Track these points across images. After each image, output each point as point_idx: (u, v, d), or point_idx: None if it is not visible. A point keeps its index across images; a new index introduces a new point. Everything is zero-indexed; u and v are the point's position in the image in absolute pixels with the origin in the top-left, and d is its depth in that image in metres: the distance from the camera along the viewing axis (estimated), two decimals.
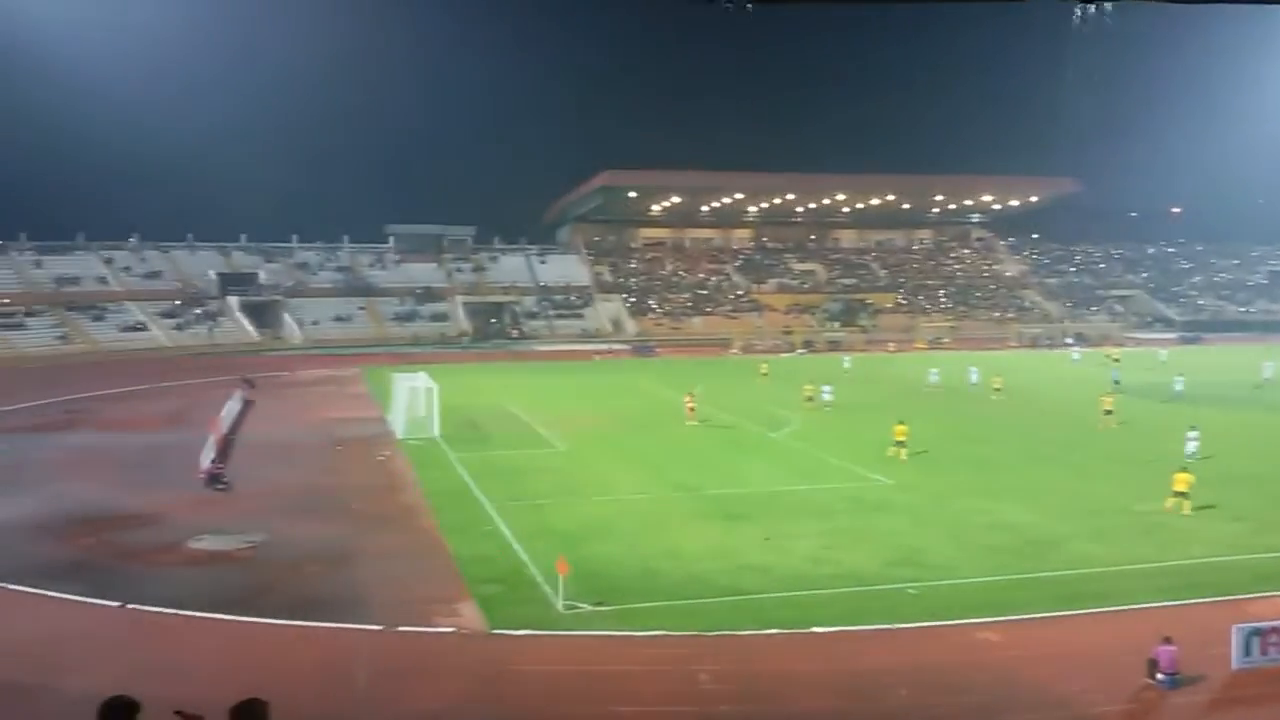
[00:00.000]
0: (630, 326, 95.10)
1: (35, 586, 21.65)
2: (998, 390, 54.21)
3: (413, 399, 41.49)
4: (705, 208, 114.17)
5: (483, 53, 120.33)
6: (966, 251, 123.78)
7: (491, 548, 24.63)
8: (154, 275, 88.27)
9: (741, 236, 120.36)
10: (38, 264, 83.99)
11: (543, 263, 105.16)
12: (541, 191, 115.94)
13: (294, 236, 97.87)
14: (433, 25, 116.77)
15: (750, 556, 23.63)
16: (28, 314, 76.54)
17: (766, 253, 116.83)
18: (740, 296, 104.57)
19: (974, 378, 58.38)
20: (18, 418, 45.53)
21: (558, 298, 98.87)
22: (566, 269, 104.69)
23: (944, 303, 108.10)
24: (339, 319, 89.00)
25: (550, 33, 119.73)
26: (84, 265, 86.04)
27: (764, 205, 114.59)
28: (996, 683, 16.48)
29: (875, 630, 18.89)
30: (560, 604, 19.86)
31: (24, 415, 46.24)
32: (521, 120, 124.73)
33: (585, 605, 19.86)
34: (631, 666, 17.45)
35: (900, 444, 35.96)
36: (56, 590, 21.39)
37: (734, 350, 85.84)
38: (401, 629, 18.90)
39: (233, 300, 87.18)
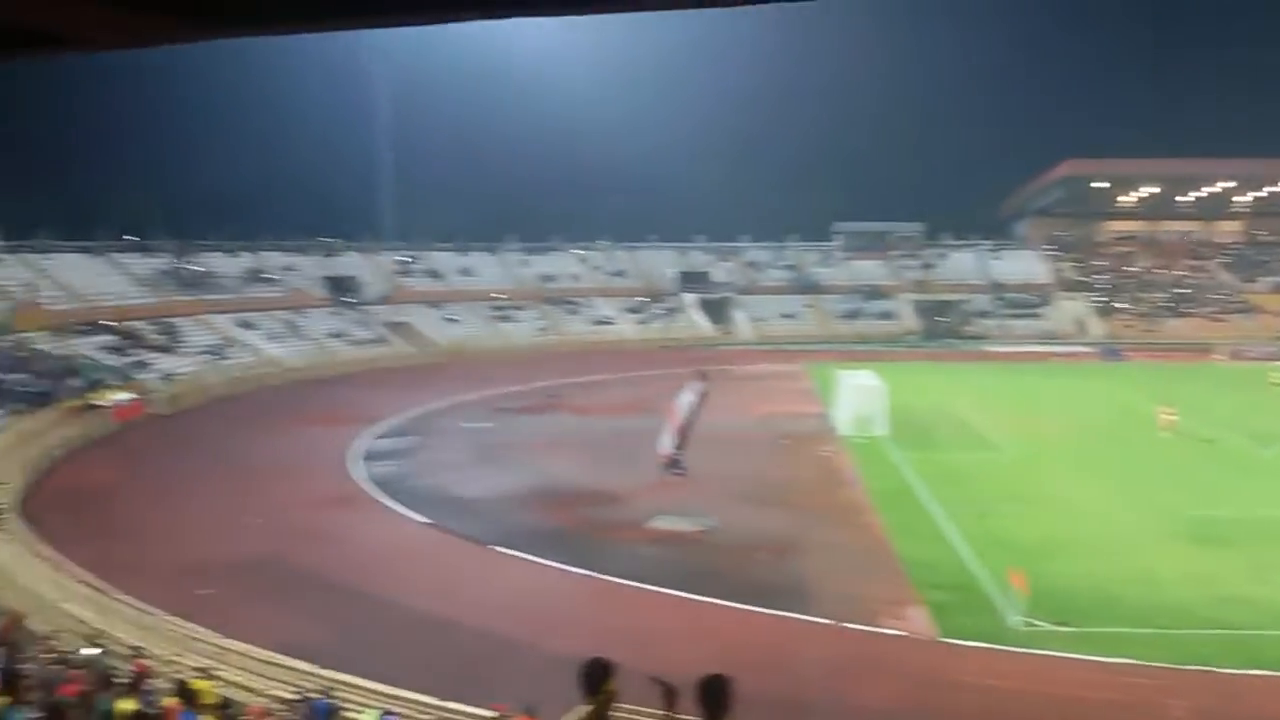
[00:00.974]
0: (1095, 328, 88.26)
1: (522, 551, 24.25)
2: None
3: (857, 396, 41.33)
4: (1185, 198, 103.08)
5: (933, 39, 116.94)
6: None
7: (940, 553, 23.90)
8: (620, 274, 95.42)
9: (1229, 229, 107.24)
10: (524, 263, 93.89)
11: (997, 259, 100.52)
12: (996, 184, 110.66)
13: (745, 236, 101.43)
14: (878, 14, 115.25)
15: (1235, 587, 20.95)
16: (516, 307, 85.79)
17: (1261, 247, 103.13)
18: (1227, 296, 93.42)
19: None
20: (506, 400, 51.03)
21: (1013, 296, 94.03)
22: (1023, 265, 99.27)
23: None
24: (786, 316, 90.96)
25: (1004, 12, 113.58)
26: (561, 264, 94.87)
27: (1258, 194, 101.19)
28: None
29: None
30: (1015, 619, 18.81)
31: (511, 399, 51.73)
32: (975, 110, 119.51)
33: (1043, 623, 18.66)
34: (1094, 693, 16.15)
35: None
36: (539, 556, 23.79)
37: (1219, 356, 76.84)
38: (849, 625, 18.87)
39: (689, 297, 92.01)
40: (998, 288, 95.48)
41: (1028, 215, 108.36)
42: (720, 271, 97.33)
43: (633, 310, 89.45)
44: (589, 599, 21.23)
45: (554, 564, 23.27)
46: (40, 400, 40.16)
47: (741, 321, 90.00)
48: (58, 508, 28.92)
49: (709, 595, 20.68)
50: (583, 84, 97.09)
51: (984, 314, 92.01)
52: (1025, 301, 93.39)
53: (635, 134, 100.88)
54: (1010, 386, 57.34)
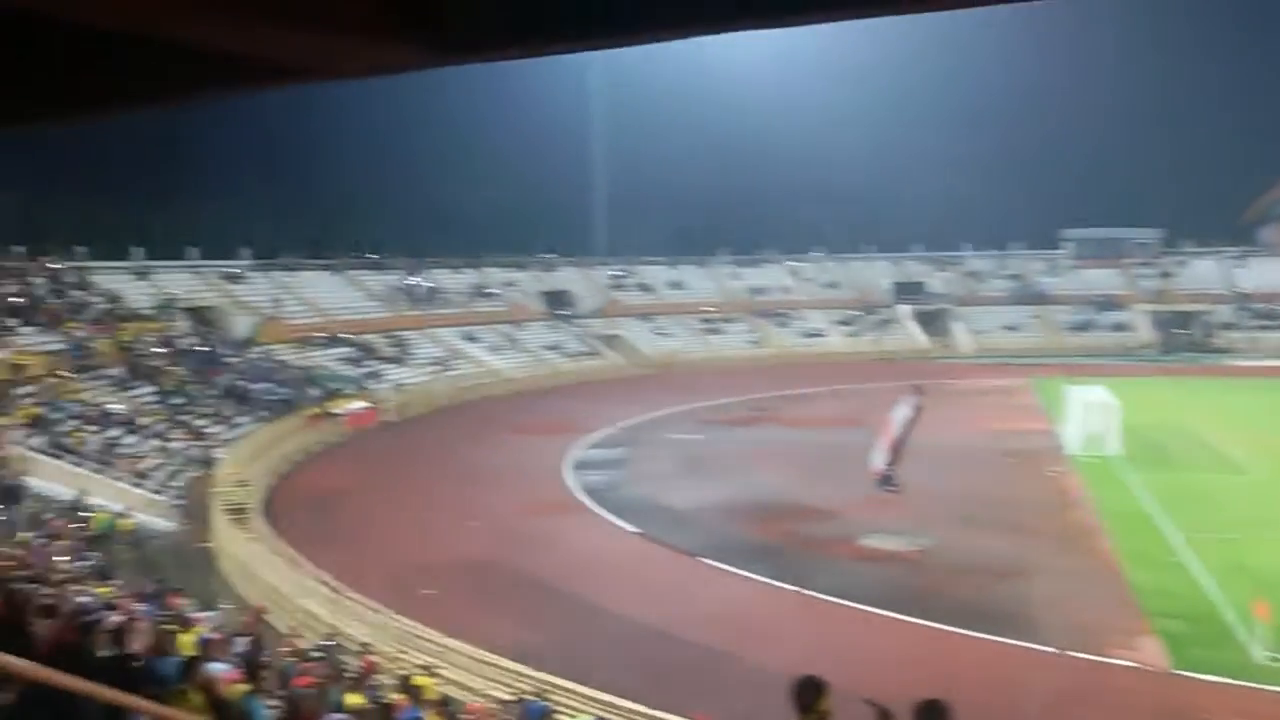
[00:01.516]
0: None
1: (729, 564, 24.26)
2: None
3: (1087, 413, 39.18)
4: None
5: (1171, 35, 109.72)
6: None
7: (1175, 580, 22.34)
8: (833, 285, 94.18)
9: None
10: (734, 276, 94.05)
11: (1242, 267, 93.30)
12: (1241, 187, 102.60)
13: (965, 245, 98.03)
14: (1109, 8, 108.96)
15: None
16: (725, 320, 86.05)
17: None
18: None
19: None
20: (715, 412, 51.12)
21: (1260, 306, 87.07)
22: (1271, 274, 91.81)
23: None
24: (1008, 327, 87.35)
25: (1251, 7, 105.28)
26: (772, 276, 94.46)
27: None
28: None
29: None
30: (1259, 653, 17.36)
31: (720, 411, 51.76)
32: (1218, 108, 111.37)
33: None
34: None
35: None
36: (746, 570, 23.73)
37: None
38: (1074, 654, 17.89)
39: (904, 308, 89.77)
40: (1243, 298, 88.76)
41: (1275, 220, 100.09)
42: (938, 282, 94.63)
43: (845, 322, 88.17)
44: (798, 615, 20.99)
45: (762, 578, 23.15)
46: (283, 408, 43.28)
47: (960, 334, 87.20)
48: (296, 508, 31.02)
49: (924, 618, 20.06)
50: (795, 92, 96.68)
51: (1229, 326, 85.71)
52: (1274, 313, 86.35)
53: (849, 142, 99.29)
54: (1258, 403, 53.00)
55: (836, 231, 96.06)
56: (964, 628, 19.39)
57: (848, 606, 20.99)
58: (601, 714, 14.96)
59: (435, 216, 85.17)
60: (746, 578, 23.34)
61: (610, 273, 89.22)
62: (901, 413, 45.41)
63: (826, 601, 21.41)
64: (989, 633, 19.12)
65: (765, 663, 16.59)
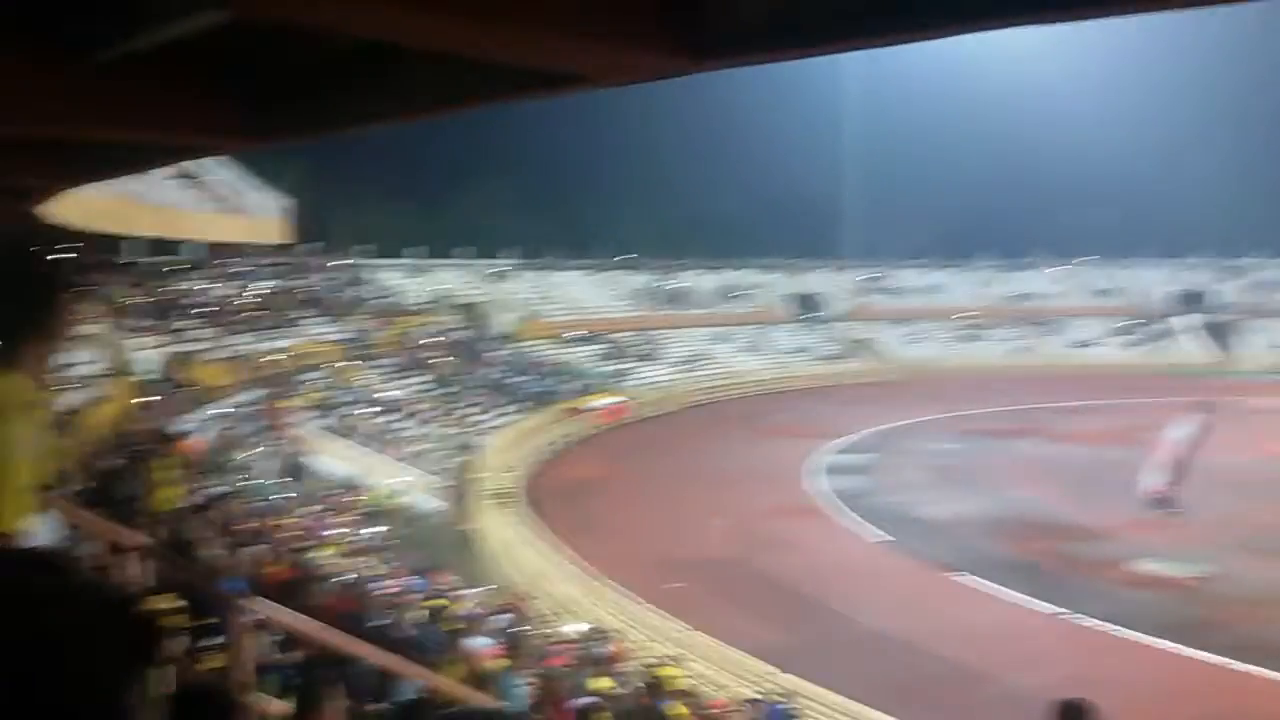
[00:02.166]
0: None
1: (985, 580, 23.33)
2: None
3: None
4: None
5: None
6: None
7: None
8: (1104, 292, 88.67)
9: None
10: (995, 281, 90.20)
11: None
12: None
13: (1257, 251, 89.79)
14: None
15: None
16: (984, 327, 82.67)
17: None
18: None
19: None
20: (974, 422, 49.18)
21: None
22: None
23: None
24: None
25: None
26: (1037, 282, 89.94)
27: None
28: None
29: None
30: None
31: (979, 420, 49.74)
32: None
33: None
34: None
35: None
36: (1003, 587, 22.75)
37: None
38: None
39: (1186, 319, 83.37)
40: None
41: None
42: (1226, 291, 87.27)
43: (1119, 332, 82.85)
44: (1059, 638, 19.92)
45: (1020, 596, 22.14)
46: (541, 400, 45.24)
47: (1251, 348, 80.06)
48: (552, 495, 32.28)
49: (1202, 649, 18.58)
50: (1065, 85, 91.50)
51: None
52: None
53: (1126, 137, 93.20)
54: None
55: (1110, 235, 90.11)
56: (1248, 663, 17.82)
57: (1116, 633, 19.76)
58: None
59: (689, 219, 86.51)
60: (1003, 596, 22.40)
61: (861, 276, 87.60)
62: (1183, 430, 42.04)
63: (1092, 626, 20.23)
64: (1277, 670, 17.50)
65: (1023, 685, 15.86)
